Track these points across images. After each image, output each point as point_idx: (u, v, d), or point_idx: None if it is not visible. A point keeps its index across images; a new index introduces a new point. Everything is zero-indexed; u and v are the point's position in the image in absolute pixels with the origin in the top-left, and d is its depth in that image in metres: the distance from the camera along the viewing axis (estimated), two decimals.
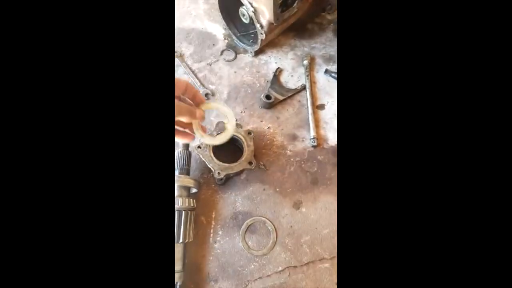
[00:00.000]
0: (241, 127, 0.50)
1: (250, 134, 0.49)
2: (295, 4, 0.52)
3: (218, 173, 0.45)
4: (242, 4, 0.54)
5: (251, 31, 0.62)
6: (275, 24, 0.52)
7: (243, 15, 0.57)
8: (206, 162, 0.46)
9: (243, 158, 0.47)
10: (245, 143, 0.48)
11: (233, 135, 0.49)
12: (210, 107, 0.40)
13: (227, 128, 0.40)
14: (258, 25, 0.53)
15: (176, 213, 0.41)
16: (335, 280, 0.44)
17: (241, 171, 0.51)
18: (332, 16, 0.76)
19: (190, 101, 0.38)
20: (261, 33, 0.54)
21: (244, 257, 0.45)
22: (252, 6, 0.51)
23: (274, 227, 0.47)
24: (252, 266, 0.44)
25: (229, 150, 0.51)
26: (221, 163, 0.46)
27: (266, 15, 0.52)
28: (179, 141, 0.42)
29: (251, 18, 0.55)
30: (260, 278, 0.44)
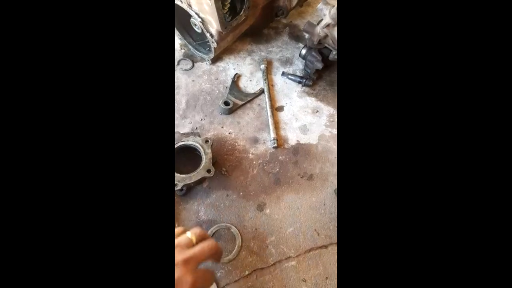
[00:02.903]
0: (198, 135, 0.50)
1: (208, 142, 0.49)
2: (242, 13, 0.54)
3: (175, 184, 0.45)
4: (191, 15, 0.54)
5: (206, 40, 0.63)
6: (224, 32, 0.53)
7: (195, 25, 0.58)
8: None
9: (201, 166, 0.47)
10: (202, 151, 0.48)
11: (191, 144, 0.49)
12: None
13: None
14: (208, 35, 0.54)
15: None
16: (302, 277, 0.45)
17: (203, 180, 0.51)
18: (287, 20, 0.79)
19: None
20: (212, 42, 0.55)
21: (210, 265, 0.45)
22: (199, 17, 0.52)
23: (239, 231, 0.48)
24: (219, 274, 0.44)
25: (189, 160, 0.51)
26: (177, 174, 0.46)
27: (213, 25, 0.53)
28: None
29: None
30: (227, 284, 0.44)
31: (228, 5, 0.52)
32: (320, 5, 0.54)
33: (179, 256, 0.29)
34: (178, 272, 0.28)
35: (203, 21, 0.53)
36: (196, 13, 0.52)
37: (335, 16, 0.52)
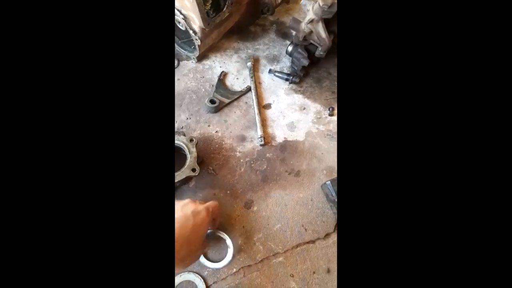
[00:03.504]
0: (183, 134, 0.50)
1: (193, 141, 0.49)
2: (225, 9, 0.53)
3: None
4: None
5: (191, 38, 0.62)
6: (207, 29, 0.53)
7: (178, 22, 0.57)
8: None
9: (186, 165, 0.47)
10: (187, 150, 0.48)
11: (176, 144, 0.48)
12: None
13: None
14: (191, 32, 0.53)
15: None
16: (290, 272, 0.46)
17: (189, 179, 0.50)
18: (274, 17, 0.79)
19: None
20: (196, 39, 0.55)
21: (197, 264, 0.45)
22: (181, 14, 0.51)
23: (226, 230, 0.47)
24: (206, 272, 0.44)
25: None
26: None
27: (196, 21, 0.52)
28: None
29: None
30: (215, 283, 0.44)
31: (211, 1, 0.51)
32: (303, 1, 0.54)
33: (180, 203, 0.37)
34: (190, 207, 0.36)
35: (185, 18, 0.52)
36: (178, 10, 0.51)
37: (318, 11, 0.52)
